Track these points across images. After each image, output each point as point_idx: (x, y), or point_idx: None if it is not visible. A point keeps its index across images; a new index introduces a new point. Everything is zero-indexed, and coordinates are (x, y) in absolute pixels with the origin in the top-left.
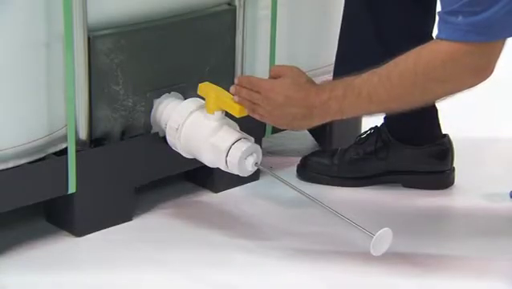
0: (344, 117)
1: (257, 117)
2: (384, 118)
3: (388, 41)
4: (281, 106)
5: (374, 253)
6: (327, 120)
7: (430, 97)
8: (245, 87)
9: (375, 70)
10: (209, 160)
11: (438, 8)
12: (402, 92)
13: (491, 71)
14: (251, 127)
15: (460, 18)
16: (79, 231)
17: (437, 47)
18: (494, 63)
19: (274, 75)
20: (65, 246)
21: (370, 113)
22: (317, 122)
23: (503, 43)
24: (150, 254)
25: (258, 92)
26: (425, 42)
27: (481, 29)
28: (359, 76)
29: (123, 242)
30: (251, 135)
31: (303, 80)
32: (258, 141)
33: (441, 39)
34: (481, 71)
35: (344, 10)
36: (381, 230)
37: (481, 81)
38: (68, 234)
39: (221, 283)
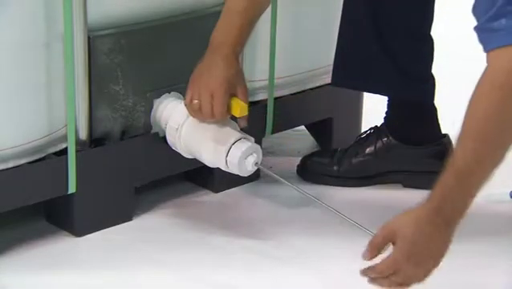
0: (475, 194)
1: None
2: (384, 118)
3: (386, 41)
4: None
5: None
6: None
7: None
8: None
9: (460, 137)
10: (209, 160)
11: (437, 7)
12: (495, 130)
13: None
14: (251, 127)
15: (503, 21)
16: (79, 231)
17: (493, 65)
18: None
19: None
20: (65, 246)
21: (487, 178)
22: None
23: None
24: (150, 254)
25: (396, 271)
26: (424, 42)
27: None
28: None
29: (123, 242)
30: (251, 135)
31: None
32: (258, 141)
33: (493, 51)
34: None
35: (343, 10)
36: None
37: None
38: (68, 234)
39: (221, 283)
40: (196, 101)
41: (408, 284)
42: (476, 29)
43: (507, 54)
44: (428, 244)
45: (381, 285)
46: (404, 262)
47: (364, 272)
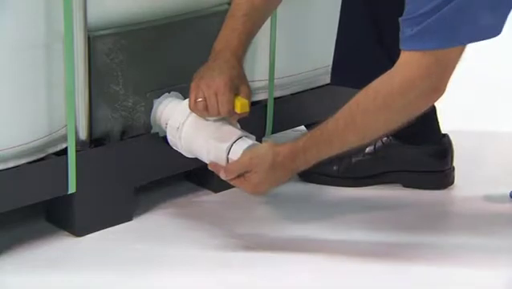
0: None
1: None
2: None
3: (385, 41)
4: (261, 182)
5: None
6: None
7: (393, 127)
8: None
9: (340, 112)
10: (211, 158)
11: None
12: (367, 131)
13: (444, 88)
14: (251, 126)
15: (413, 28)
16: (79, 231)
17: (392, 77)
18: (448, 78)
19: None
20: (65, 246)
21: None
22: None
23: (456, 53)
24: (150, 254)
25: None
26: None
27: (429, 34)
28: (326, 125)
29: (123, 242)
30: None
31: (277, 154)
32: (258, 141)
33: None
34: (435, 89)
35: (341, 10)
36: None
37: (437, 99)
38: (68, 234)
39: (221, 283)
40: (200, 99)
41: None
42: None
43: (402, 71)
44: (273, 175)
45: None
46: (250, 170)
47: (212, 166)
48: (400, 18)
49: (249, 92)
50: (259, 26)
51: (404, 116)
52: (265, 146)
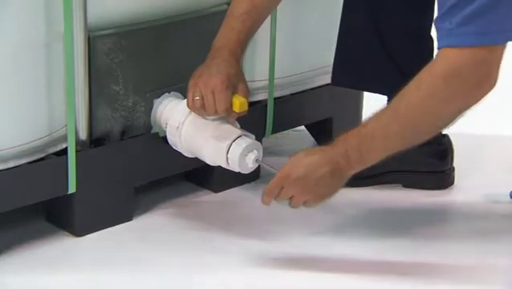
0: (368, 164)
1: (304, 205)
2: None
3: (386, 41)
4: (306, 176)
5: None
6: (353, 171)
7: (443, 121)
8: (271, 195)
9: (382, 109)
10: (210, 157)
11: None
12: (414, 123)
13: (494, 81)
14: (251, 126)
15: (452, 22)
16: (79, 231)
17: (434, 66)
18: (496, 72)
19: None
20: (65, 246)
21: (391, 151)
22: (346, 176)
23: (502, 49)
24: (150, 254)
25: (282, 187)
26: (424, 42)
27: (475, 30)
28: (368, 121)
29: (123, 242)
30: None
31: (311, 149)
32: (258, 141)
33: (439, 50)
34: (483, 80)
35: (343, 10)
36: None
37: (487, 91)
38: (68, 234)
39: (221, 283)
40: (197, 98)
41: (297, 204)
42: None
43: (445, 61)
44: (318, 162)
45: (278, 201)
46: (292, 175)
47: (262, 200)
48: (436, 17)
49: (248, 90)
50: (259, 25)
51: (452, 107)
52: (314, 151)
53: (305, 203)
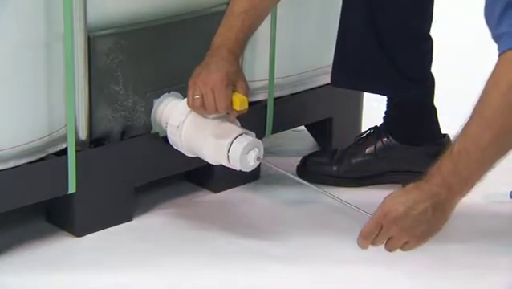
0: (472, 185)
1: (404, 249)
2: (384, 118)
3: (385, 41)
4: (407, 214)
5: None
6: (458, 197)
7: None
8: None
9: (467, 121)
10: (211, 156)
11: (436, 7)
12: (504, 121)
13: None
14: (252, 126)
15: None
16: (79, 231)
17: (507, 60)
18: None
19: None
20: (65, 246)
21: (491, 163)
22: (450, 207)
23: None
24: (150, 254)
25: (381, 229)
26: (423, 42)
27: None
28: (456, 139)
29: (123, 242)
30: None
31: (406, 188)
32: (258, 139)
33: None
34: None
35: (342, 10)
36: None
37: None
38: (68, 234)
39: (221, 283)
40: (197, 96)
41: (396, 246)
42: (492, 35)
43: None
44: (416, 198)
45: (374, 244)
46: (391, 215)
47: (359, 243)
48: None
49: (247, 88)
50: (258, 24)
51: None
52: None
53: (404, 245)
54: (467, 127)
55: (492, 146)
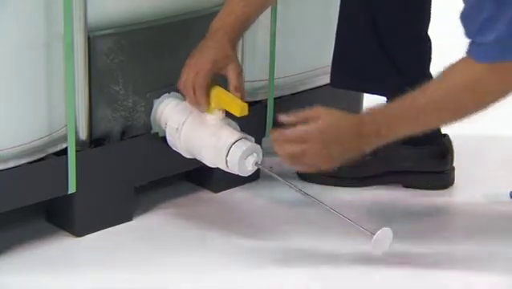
0: (395, 134)
1: (304, 168)
2: None
3: (384, 41)
4: (332, 126)
5: (375, 252)
6: (379, 140)
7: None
8: (281, 140)
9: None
10: (210, 159)
11: (434, 7)
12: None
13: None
14: (251, 127)
15: (485, 37)
16: (79, 231)
17: (462, 70)
18: None
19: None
20: (65, 246)
21: (419, 126)
22: (366, 144)
23: None
24: (150, 254)
25: (302, 142)
26: (422, 42)
27: (504, 47)
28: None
29: (123, 242)
30: (251, 135)
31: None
32: (258, 141)
33: (467, 60)
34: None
35: (340, 10)
36: (381, 230)
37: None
38: (68, 234)
39: (221, 283)
40: (184, 79)
41: (307, 163)
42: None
43: (473, 70)
44: (339, 138)
45: (281, 151)
46: (314, 138)
47: (272, 132)
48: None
49: (240, 70)
50: (258, 14)
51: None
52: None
53: (312, 157)
54: (410, 93)
55: (424, 112)
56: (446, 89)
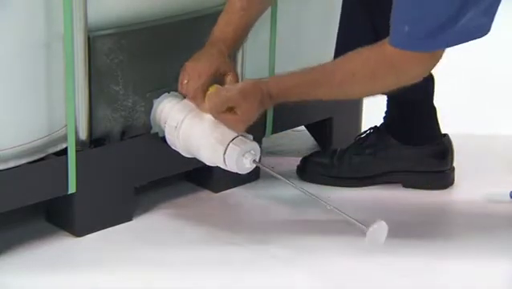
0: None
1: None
2: (384, 118)
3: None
4: (252, 89)
5: (370, 244)
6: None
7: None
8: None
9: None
10: (208, 157)
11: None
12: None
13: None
14: (251, 126)
15: (407, 28)
16: (79, 231)
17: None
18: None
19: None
20: (65, 246)
21: (308, 95)
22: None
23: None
24: (150, 254)
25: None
26: None
27: (425, 40)
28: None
29: (123, 242)
30: (251, 134)
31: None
32: (258, 141)
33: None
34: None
35: (342, 11)
36: (376, 223)
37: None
38: (68, 234)
39: (221, 283)
40: (186, 82)
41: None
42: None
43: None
44: (250, 103)
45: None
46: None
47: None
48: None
49: (237, 81)
50: (255, 21)
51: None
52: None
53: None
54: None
55: (341, 75)
56: (364, 59)
